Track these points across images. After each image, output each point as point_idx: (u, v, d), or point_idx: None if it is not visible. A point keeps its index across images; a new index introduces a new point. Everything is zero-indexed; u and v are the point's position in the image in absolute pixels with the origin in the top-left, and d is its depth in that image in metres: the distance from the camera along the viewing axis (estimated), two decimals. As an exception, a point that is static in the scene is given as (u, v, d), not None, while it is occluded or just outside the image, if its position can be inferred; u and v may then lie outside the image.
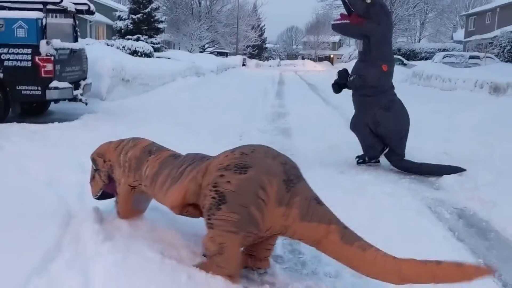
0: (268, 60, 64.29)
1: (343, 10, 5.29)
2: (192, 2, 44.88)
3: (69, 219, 2.92)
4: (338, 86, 5.33)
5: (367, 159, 5.19)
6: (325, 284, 2.47)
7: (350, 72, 5.23)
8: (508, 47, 27.83)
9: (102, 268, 2.34)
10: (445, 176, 4.72)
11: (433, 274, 2.01)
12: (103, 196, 3.07)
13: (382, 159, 5.20)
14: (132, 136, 3.09)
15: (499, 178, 4.52)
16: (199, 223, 3.06)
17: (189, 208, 2.48)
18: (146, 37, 26.23)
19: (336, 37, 58.19)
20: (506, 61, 24.95)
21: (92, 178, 3.06)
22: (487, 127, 7.26)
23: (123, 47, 17.36)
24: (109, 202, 3.14)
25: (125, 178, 2.80)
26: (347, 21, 4.95)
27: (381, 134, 5.01)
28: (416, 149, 5.59)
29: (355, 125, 5.19)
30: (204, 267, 2.37)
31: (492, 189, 4.21)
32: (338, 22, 5.08)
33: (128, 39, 23.60)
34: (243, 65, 36.84)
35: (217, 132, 6.46)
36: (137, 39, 24.16)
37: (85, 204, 3.22)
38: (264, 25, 63.77)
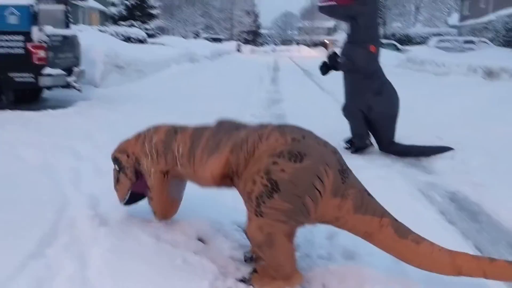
0: (262, 46, 64.00)
1: None
2: (185, -12, 44.58)
3: (64, 205, 2.94)
4: (326, 68, 5.29)
5: (353, 149, 5.13)
6: (318, 266, 2.51)
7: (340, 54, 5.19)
8: (503, 32, 27.86)
9: (98, 253, 2.38)
10: (437, 160, 4.77)
11: (485, 270, 2.07)
12: (132, 198, 2.84)
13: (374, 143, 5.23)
14: (125, 122, 3.10)
15: (491, 161, 4.57)
16: (194, 207, 3.09)
17: (228, 180, 2.37)
18: (140, 23, 26.07)
19: (331, 22, 57.92)
20: (501, 46, 24.99)
21: (117, 181, 2.82)
22: (480, 111, 7.31)
23: (117, 33, 17.26)
24: (106, 190, 3.16)
25: (155, 165, 2.61)
26: (334, 2, 4.91)
27: (373, 119, 5.03)
28: (409, 133, 5.63)
29: (349, 111, 5.14)
30: (259, 277, 2.28)
31: (484, 172, 4.26)
32: (325, 4, 5.02)
33: (122, 25, 23.48)
34: (238, 51, 36.69)
35: (212, 118, 6.46)
36: (131, 25, 24.02)
37: (80, 190, 3.24)
38: (259, 11, 63.36)
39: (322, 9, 5.12)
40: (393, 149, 5.03)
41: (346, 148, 5.16)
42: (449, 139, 5.53)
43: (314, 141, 2.23)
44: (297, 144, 2.17)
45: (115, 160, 2.81)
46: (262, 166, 2.14)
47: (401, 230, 2.20)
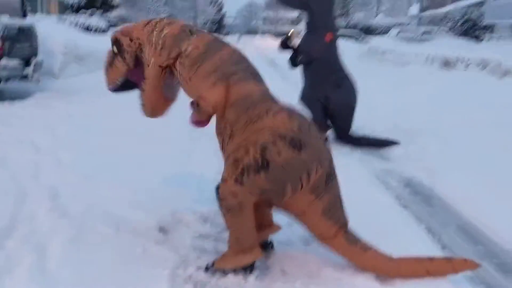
0: (227, 36, 63.63)
1: None
2: (147, -24, 43.74)
3: (24, 197, 2.91)
4: (295, 62, 5.25)
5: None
6: (278, 251, 2.59)
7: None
8: (461, 22, 28.70)
9: (58, 244, 2.38)
10: (395, 147, 4.94)
11: (427, 269, 2.26)
12: (124, 86, 2.68)
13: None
14: (85, 113, 3.07)
15: (445, 147, 4.76)
16: (155, 197, 3.12)
17: (219, 116, 2.33)
18: (100, 12, 25.45)
19: (295, 13, 58.17)
20: (459, 36, 25.74)
21: (109, 64, 2.64)
22: (437, 100, 7.56)
23: (77, 23, 16.83)
24: (66, 182, 3.14)
25: (156, 57, 2.45)
26: None
27: (332, 110, 5.11)
28: (369, 122, 5.79)
29: (308, 100, 5.18)
30: (220, 259, 2.32)
31: (438, 158, 4.43)
32: None
33: (82, 14, 22.86)
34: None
35: (174, 108, 6.43)
36: (91, 15, 23.43)
37: (39, 182, 3.21)
38: (223, 0, 62.86)
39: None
40: (347, 139, 5.16)
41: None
42: (407, 127, 5.72)
43: (316, 136, 2.26)
44: (301, 133, 2.17)
45: (115, 41, 2.59)
46: (261, 141, 2.13)
47: (351, 239, 2.34)
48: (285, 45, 5.25)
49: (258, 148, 2.12)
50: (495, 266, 2.57)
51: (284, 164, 2.11)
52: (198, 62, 2.34)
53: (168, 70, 2.49)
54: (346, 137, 5.16)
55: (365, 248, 2.32)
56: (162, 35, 2.46)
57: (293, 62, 5.23)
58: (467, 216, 3.21)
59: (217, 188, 2.23)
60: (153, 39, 2.48)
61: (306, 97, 5.22)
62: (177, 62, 2.41)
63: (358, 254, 2.31)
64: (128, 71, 2.60)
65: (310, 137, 2.20)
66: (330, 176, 2.25)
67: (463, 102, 7.19)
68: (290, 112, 2.25)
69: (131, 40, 2.56)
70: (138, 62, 2.59)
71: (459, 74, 9.98)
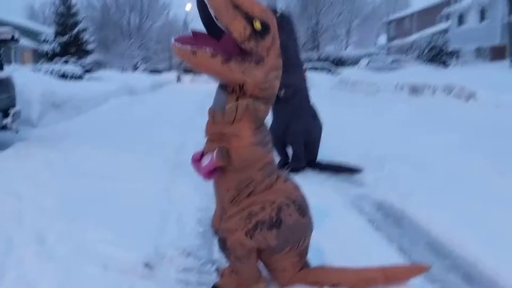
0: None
1: None
2: (121, 21, 44.47)
3: (10, 244, 2.99)
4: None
5: (290, 171, 5.30)
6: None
7: None
8: (427, 50, 29.82)
9: None
10: (367, 173, 5.16)
11: (387, 276, 2.47)
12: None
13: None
14: (65, 160, 3.21)
15: (414, 171, 5.00)
16: (138, 235, 3.23)
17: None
18: (75, 59, 25.73)
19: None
20: (426, 63, 26.72)
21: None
22: (407, 125, 7.90)
23: (52, 71, 17.00)
24: (50, 227, 3.24)
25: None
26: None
27: (309, 142, 5.41)
28: (342, 149, 6.02)
29: (294, 136, 5.34)
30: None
31: (408, 181, 4.65)
32: None
33: (56, 62, 23.08)
34: (178, 81, 36.79)
35: (154, 147, 6.58)
36: (66, 62, 23.67)
37: (24, 229, 3.29)
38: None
39: None
40: (317, 167, 5.46)
41: (293, 171, 5.33)
42: (378, 153, 5.96)
43: (308, 204, 2.58)
44: (304, 201, 2.51)
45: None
46: (278, 200, 2.37)
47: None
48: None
49: (275, 207, 2.35)
50: (462, 276, 2.76)
51: (292, 226, 2.39)
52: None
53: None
54: (315, 165, 5.46)
55: (319, 268, 2.60)
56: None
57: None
58: (435, 234, 3.41)
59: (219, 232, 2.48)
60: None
61: (292, 134, 5.35)
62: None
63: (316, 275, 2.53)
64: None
65: (307, 205, 2.54)
66: (308, 241, 2.56)
67: (431, 126, 7.53)
68: (293, 181, 2.57)
69: None
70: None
71: (426, 100, 10.44)
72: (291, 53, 5.25)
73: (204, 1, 2.11)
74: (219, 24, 2.18)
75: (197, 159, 2.41)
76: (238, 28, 2.12)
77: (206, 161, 2.29)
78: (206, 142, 2.44)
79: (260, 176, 2.38)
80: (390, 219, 3.82)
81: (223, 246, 2.47)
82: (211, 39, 2.21)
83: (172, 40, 2.18)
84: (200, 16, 2.25)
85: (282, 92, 5.15)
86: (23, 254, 2.86)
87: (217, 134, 2.36)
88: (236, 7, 2.10)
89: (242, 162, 2.31)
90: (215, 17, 2.14)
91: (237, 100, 2.27)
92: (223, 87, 2.32)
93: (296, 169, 5.38)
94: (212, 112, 2.37)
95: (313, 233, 2.57)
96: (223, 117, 2.30)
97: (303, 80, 5.44)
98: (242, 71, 2.19)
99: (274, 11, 5.07)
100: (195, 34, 2.24)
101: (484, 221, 3.44)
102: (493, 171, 4.69)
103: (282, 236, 2.36)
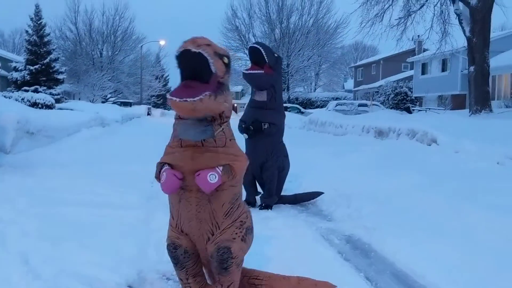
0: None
1: (245, 63, 6.01)
2: (93, 53, 44.52)
3: (-4, 265, 3.08)
4: (252, 131, 5.39)
5: (263, 207, 5.48)
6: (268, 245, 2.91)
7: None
8: (392, 95, 31.10)
9: (36, 304, 2.58)
10: (336, 208, 5.44)
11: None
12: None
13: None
14: (42, 186, 3.33)
15: (379, 208, 5.30)
16: (122, 259, 3.36)
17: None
18: (45, 88, 25.54)
19: (239, 87, 60.42)
20: (390, 108, 27.82)
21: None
22: (372, 166, 8.27)
23: (22, 99, 16.87)
24: (34, 248, 3.33)
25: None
26: (262, 71, 5.24)
27: (280, 178, 5.65)
28: (310, 186, 6.29)
29: (271, 173, 5.48)
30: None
31: (374, 217, 4.95)
32: (252, 71, 5.28)
33: (26, 90, 22.85)
34: (148, 114, 36.83)
35: (129, 178, 6.69)
36: (35, 90, 23.46)
37: (8, 250, 3.37)
38: (168, 75, 64.40)
39: (249, 76, 5.36)
40: (284, 200, 5.75)
41: (264, 208, 5.48)
42: (346, 191, 6.27)
43: None
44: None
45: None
46: (247, 209, 2.94)
47: None
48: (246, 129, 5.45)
49: (249, 215, 2.87)
50: (422, 303, 3.01)
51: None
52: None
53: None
54: (281, 198, 5.72)
55: None
56: None
57: (252, 132, 5.39)
58: (399, 265, 3.68)
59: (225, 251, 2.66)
60: None
61: (269, 170, 5.46)
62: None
63: None
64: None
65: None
66: None
67: (395, 168, 7.92)
68: None
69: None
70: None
71: (391, 143, 10.92)
72: (280, 92, 5.57)
73: (190, 53, 2.38)
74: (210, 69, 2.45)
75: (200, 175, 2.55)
76: (220, 68, 2.51)
77: (214, 178, 2.52)
78: (184, 160, 2.62)
79: (241, 189, 2.86)
80: (357, 251, 4.08)
81: (222, 258, 2.60)
82: (199, 84, 2.48)
83: (169, 96, 2.41)
84: (184, 66, 2.50)
85: (266, 126, 5.35)
86: (10, 273, 2.95)
87: (204, 157, 2.59)
88: (216, 53, 2.48)
89: (241, 178, 2.73)
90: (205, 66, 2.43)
91: (220, 126, 2.65)
92: (202, 120, 2.57)
93: (269, 206, 5.53)
94: (196, 143, 2.60)
95: (287, 262, 2.86)
96: (215, 143, 2.62)
97: (284, 118, 5.72)
98: (224, 100, 2.58)
99: (273, 53, 5.40)
100: (187, 85, 2.47)
101: (443, 254, 3.73)
102: (451, 210, 5.03)
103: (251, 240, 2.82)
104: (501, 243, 4.03)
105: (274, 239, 4.22)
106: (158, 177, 2.68)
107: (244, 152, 5.17)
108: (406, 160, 8.62)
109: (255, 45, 5.37)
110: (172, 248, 2.73)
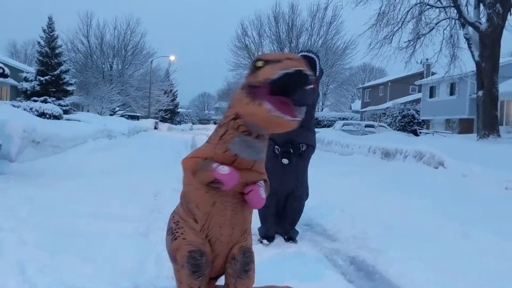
0: (180, 124, 64.90)
1: None
2: (103, 66, 44.93)
3: (-8, 273, 3.02)
4: (292, 155, 4.56)
5: (289, 238, 4.76)
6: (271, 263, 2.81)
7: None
8: (399, 117, 31.03)
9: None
10: (342, 229, 5.34)
11: None
12: None
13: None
14: (44, 195, 3.30)
15: (385, 230, 5.20)
16: (120, 272, 3.29)
17: None
18: (54, 99, 25.72)
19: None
20: (397, 130, 27.73)
21: None
22: (378, 187, 8.18)
23: (31, 108, 16.98)
24: (31, 257, 3.27)
25: None
26: (312, 86, 4.20)
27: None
28: (316, 206, 6.20)
29: (299, 201, 4.77)
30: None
31: (379, 239, 4.85)
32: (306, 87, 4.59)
33: (35, 100, 23.03)
34: (155, 128, 36.96)
35: (132, 191, 6.64)
36: (44, 101, 23.64)
37: (5, 259, 3.31)
38: (177, 90, 64.88)
39: (311, 94, 4.38)
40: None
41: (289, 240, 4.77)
42: (351, 211, 6.17)
43: None
44: None
45: None
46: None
47: None
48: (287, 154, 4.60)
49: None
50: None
51: None
52: None
53: None
54: None
55: None
56: None
57: (292, 155, 4.59)
58: (405, 288, 3.57)
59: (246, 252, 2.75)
60: None
61: (303, 195, 4.88)
62: None
63: None
64: None
65: None
66: None
67: (402, 190, 7.82)
68: None
69: None
70: None
71: (398, 164, 10.82)
72: (312, 114, 4.74)
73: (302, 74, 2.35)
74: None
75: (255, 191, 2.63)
76: None
77: (263, 194, 2.67)
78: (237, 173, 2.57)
79: None
80: (362, 273, 3.97)
81: (246, 261, 2.71)
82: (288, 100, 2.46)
83: (276, 113, 2.34)
84: (292, 85, 2.41)
85: (304, 148, 4.61)
86: (5, 281, 2.89)
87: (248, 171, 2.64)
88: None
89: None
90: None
91: None
92: (260, 138, 2.59)
93: (294, 239, 4.79)
94: (251, 162, 2.62)
95: (289, 281, 2.76)
96: (261, 163, 2.71)
97: (315, 139, 4.92)
98: None
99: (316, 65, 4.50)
100: (284, 102, 2.41)
101: (450, 279, 3.63)
102: (459, 234, 4.94)
103: None
104: (510, 268, 3.93)
105: (277, 258, 4.14)
106: (203, 170, 2.55)
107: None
108: (413, 182, 8.53)
109: (309, 54, 4.44)
110: (198, 256, 2.56)
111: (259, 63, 2.44)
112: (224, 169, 2.48)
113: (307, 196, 4.91)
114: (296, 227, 4.99)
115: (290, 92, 2.42)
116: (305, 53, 4.40)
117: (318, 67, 4.38)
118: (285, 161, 4.50)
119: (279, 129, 2.46)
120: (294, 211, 4.74)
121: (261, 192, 2.62)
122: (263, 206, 4.53)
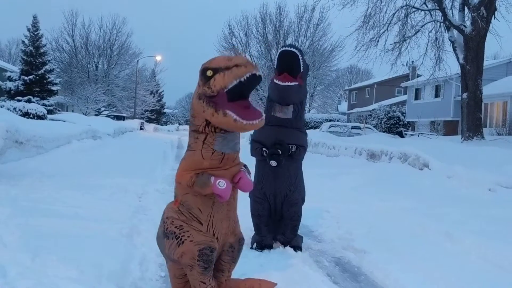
0: (166, 125, 64.58)
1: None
2: (88, 66, 44.53)
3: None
4: (281, 157, 4.30)
5: (293, 246, 4.50)
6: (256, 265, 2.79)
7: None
8: (385, 119, 31.25)
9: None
10: (327, 230, 5.35)
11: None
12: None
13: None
14: (26, 197, 3.24)
15: (370, 231, 5.22)
16: (101, 276, 3.24)
17: None
18: (38, 99, 25.41)
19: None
20: (383, 131, 27.92)
21: None
22: (364, 188, 8.22)
23: (14, 108, 16.75)
24: (12, 260, 3.21)
25: None
26: (296, 82, 4.13)
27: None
28: (304, 206, 6.19)
29: (296, 206, 4.53)
30: None
31: (364, 240, 4.86)
32: (289, 84, 4.09)
33: (19, 100, 22.74)
34: (141, 129, 36.71)
35: (116, 192, 6.57)
36: (28, 101, 23.35)
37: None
38: (163, 91, 64.48)
39: (285, 89, 4.13)
40: None
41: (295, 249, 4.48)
42: (337, 212, 6.18)
43: None
44: None
45: None
46: None
47: None
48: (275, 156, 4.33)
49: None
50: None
51: None
52: None
53: None
54: None
55: None
56: None
57: (281, 157, 4.32)
58: (389, 290, 3.58)
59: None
60: None
61: (301, 201, 4.69)
62: None
63: None
64: None
65: None
66: None
67: (387, 191, 7.87)
68: None
69: None
70: None
71: (383, 165, 10.89)
72: (301, 110, 4.48)
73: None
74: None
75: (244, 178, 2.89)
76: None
77: (249, 176, 2.96)
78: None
79: None
80: (347, 274, 3.98)
81: (241, 248, 3.10)
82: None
83: (254, 122, 2.59)
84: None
85: (294, 149, 4.36)
86: (-15, 285, 2.83)
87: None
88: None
89: None
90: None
91: None
92: (235, 134, 2.82)
93: (299, 247, 4.54)
94: (234, 155, 2.88)
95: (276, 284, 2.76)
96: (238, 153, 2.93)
97: (307, 137, 4.70)
98: None
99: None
100: (243, 105, 2.67)
101: (434, 280, 3.65)
102: (442, 235, 4.97)
103: None
104: (492, 270, 3.98)
105: (262, 259, 4.13)
106: (202, 186, 2.75)
107: (257, 181, 4.45)
108: (398, 183, 8.59)
109: (291, 49, 4.19)
110: (209, 252, 2.77)
111: (209, 72, 2.61)
112: (221, 184, 2.72)
113: (303, 200, 4.73)
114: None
115: (247, 94, 2.70)
116: (287, 49, 4.22)
117: (301, 62, 4.19)
118: (273, 163, 4.28)
119: (250, 130, 2.76)
120: (292, 218, 4.50)
121: (248, 176, 2.92)
122: (256, 216, 4.60)
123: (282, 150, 4.27)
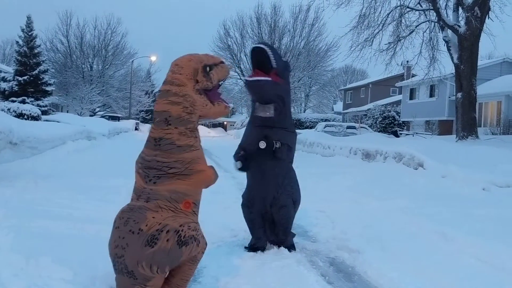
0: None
1: (235, 81, 5.36)
2: (83, 66, 44.38)
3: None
4: (245, 160, 4.37)
5: (287, 246, 4.51)
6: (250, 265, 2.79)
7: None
8: (380, 119, 31.34)
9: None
10: (321, 230, 5.35)
11: None
12: None
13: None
14: (20, 198, 3.23)
15: (364, 230, 5.24)
16: (94, 277, 3.23)
17: None
18: (33, 99, 25.30)
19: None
20: (378, 131, 28.00)
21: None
22: (359, 188, 8.23)
23: (8, 109, 16.68)
24: (2, 260, 3.20)
25: None
26: (268, 78, 4.15)
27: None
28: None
29: (285, 208, 4.45)
30: None
31: (359, 240, 4.87)
32: (258, 78, 4.15)
33: (13, 101, 22.63)
34: (136, 129, 36.61)
35: (109, 194, 6.55)
36: (23, 101, 23.25)
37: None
38: (159, 91, 64.23)
39: (254, 85, 4.23)
40: None
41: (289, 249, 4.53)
42: (331, 212, 6.20)
43: None
44: None
45: None
46: None
47: None
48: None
49: None
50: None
51: None
52: None
53: None
54: None
55: None
56: None
57: (245, 160, 4.40)
58: (383, 289, 3.59)
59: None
60: None
61: (292, 204, 4.57)
62: None
63: None
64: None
65: None
66: None
67: (382, 191, 7.89)
68: None
69: None
70: None
71: (378, 165, 10.92)
72: (289, 107, 4.50)
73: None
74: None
75: None
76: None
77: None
78: None
79: None
80: (341, 274, 3.98)
81: None
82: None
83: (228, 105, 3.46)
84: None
85: (278, 145, 4.28)
86: (-23, 287, 2.82)
87: None
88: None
89: None
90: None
91: None
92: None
93: (292, 245, 4.59)
94: None
95: (268, 282, 2.73)
96: None
97: (296, 138, 4.67)
98: None
99: (280, 56, 4.43)
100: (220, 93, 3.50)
101: (428, 280, 3.66)
102: (437, 234, 4.99)
103: None
104: (486, 269, 3.99)
105: (257, 259, 4.13)
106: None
107: (248, 184, 4.51)
108: (393, 183, 8.61)
109: (259, 45, 4.25)
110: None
111: (207, 68, 3.23)
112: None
113: (296, 202, 4.62)
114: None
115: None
116: (255, 45, 4.32)
117: (272, 58, 4.16)
118: (262, 144, 4.22)
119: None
120: (281, 221, 4.43)
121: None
122: (247, 219, 4.53)
123: (267, 143, 4.25)
